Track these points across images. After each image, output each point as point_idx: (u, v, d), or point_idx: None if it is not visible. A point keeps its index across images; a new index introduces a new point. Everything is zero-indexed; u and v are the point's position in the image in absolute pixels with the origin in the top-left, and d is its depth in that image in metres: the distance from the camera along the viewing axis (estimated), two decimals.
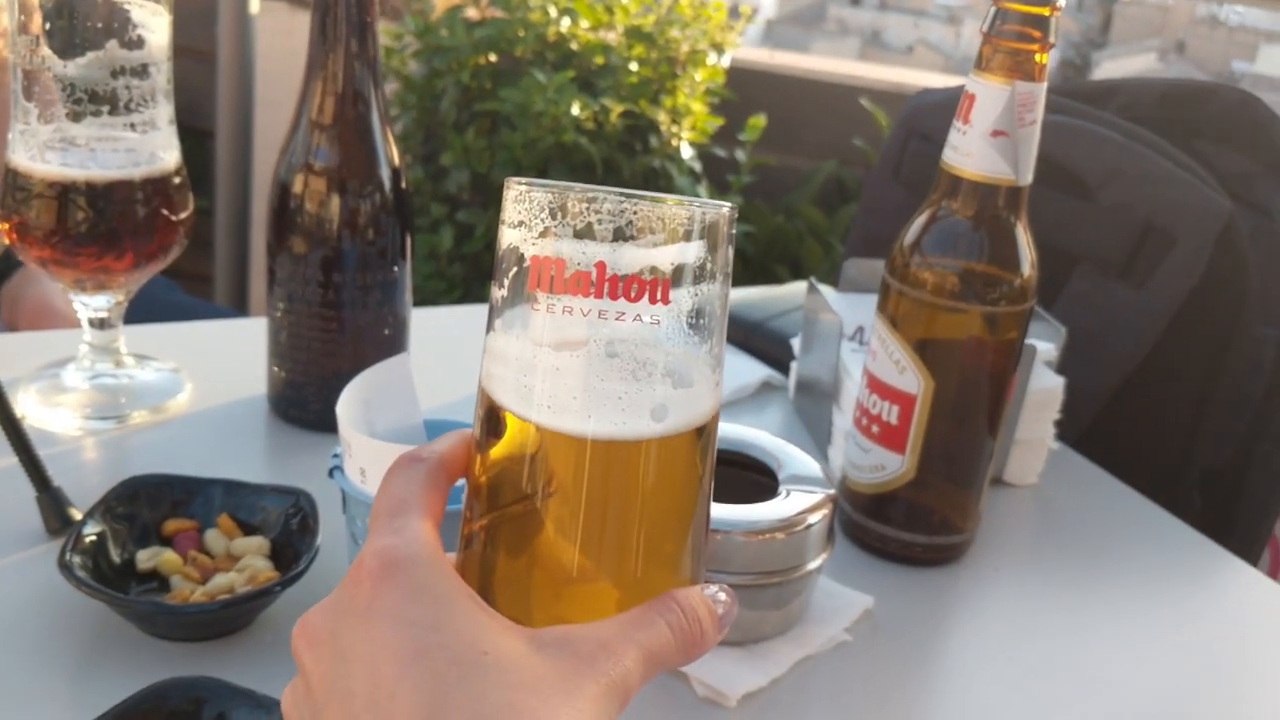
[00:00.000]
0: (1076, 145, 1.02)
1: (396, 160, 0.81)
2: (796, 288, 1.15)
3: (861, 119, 2.06)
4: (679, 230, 0.40)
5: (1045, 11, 0.68)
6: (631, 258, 0.40)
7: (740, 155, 2.02)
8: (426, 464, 0.42)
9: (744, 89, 2.15)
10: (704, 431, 0.42)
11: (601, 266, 0.40)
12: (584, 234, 0.39)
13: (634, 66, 1.89)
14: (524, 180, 0.42)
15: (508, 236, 0.41)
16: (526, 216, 0.40)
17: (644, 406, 0.40)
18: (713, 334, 0.42)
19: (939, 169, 0.72)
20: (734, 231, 0.43)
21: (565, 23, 1.92)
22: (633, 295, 0.40)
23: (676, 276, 0.40)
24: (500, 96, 1.79)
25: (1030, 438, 0.88)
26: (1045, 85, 0.69)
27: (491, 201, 1.89)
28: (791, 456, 0.73)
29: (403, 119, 1.99)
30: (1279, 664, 0.74)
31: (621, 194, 0.40)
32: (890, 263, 0.75)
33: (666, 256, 0.40)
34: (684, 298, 0.41)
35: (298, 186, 0.79)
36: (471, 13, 1.98)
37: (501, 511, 0.42)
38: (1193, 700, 0.69)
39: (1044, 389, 0.87)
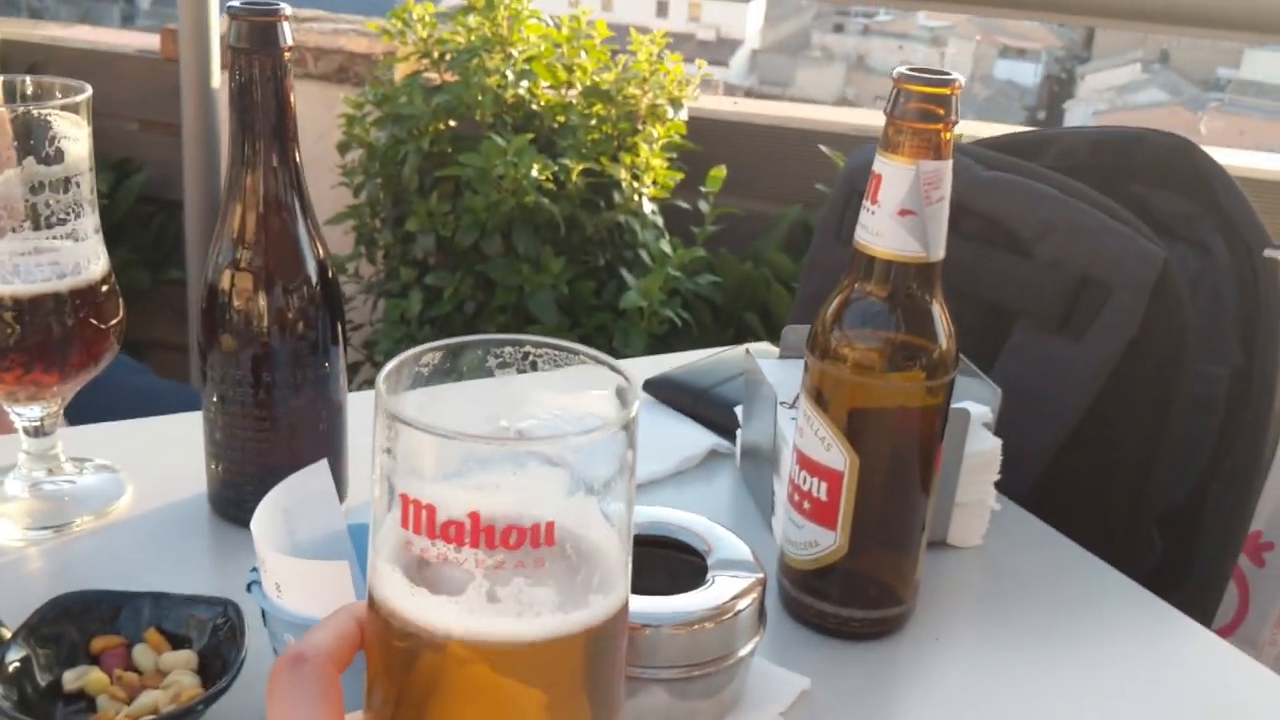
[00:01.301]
0: (1011, 201, 1.03)
1: (323, 252, 0.82)
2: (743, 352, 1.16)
3: (824, 163, 2.07)
4: (564, 462, 0.38)
5: (946, 91, 0.69)
6: (509, 504, 0.37)
7: (703, 206, 2.03)
8: (312, 667, 0.40)
9: (706, 139, 2.17)
10: (606, 630, 0.40)
11: (475, 517, 0.37)
12: (455, 476, 0.37)
13: (594, 124, 1.91)
14: (400, 370, 0.40)
15: (378, 457, 0.39)
16: (394, 447, 0.38)
17: (529, 636, 0.38)
18: (616, 544, 0.40)
19: (853, 248, 0.73)
20: (636, 432, 0.40)
21: (524, 84, 1.94)
22: (512, 543, 0.37)
23: (563, 513, 0.38)
24: (461, 162, 1.80)
25: (971, 500, 0.88)
26: (951, 162, 0.70)
27: (459, 264, 1.90)
28: (720, 539, 0.73)
29: (367, 186, 2.00)
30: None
31: (492, 438, 0.37)
32: (810, 341, 0.75)
33: (550, 498, 0.38)
34: (575, 530, 0.38)
35: (224, 286, 0.79)
36: (431, 76, 2.00)
37: (389, 706, 0.41)
38: None
39: (981, 451, 0.87)
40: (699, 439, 1.01)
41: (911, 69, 0.69)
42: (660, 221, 2.00)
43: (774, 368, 0.95)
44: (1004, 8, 2.01)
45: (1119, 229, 0.99)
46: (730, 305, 2.05)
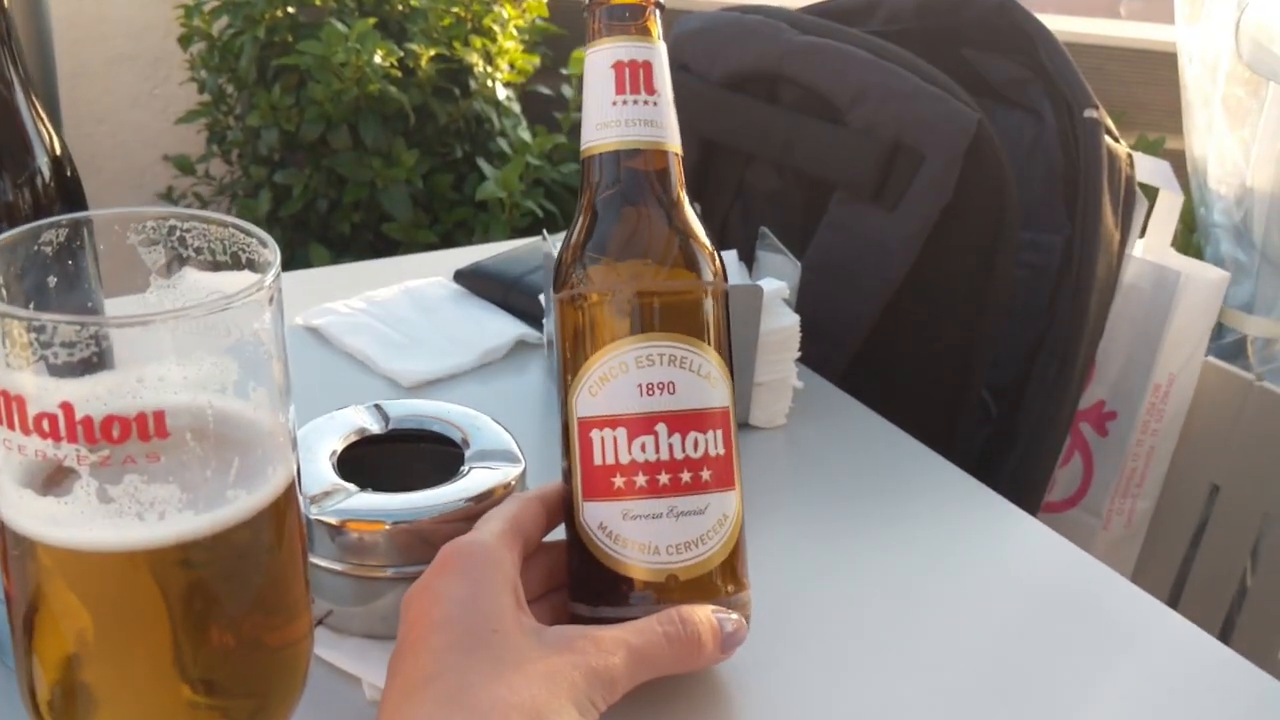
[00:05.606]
0: (824, 67, 0.98)
1: (58, 148, 0.75)
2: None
3: None
4: (169, 346, 0.34)
5: None
6: (105, 394, 0.34)
7: (567, 91, 1.96)
8: (531, 497, 0.55)
9: (571, 20, 2.09)
10: (253, 526, 0.38)
11: (68, 409, 0.33)
12: (43, 368, 0.33)
13: (444, 7, 1.82)
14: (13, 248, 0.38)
15: None
16: None
17: (158, 540, 0.35)
18: (263, 430, 0.37)
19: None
20: (278, 303, 0.37)
21: None
22: (115, 436, 0.34)
23: (180, 400, 0.35)
24: (300, 50, 1.71)
25: (772, 379, 0.85)
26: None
27: (307, 160, 1.82)
28: (480, 430, 0.69)
29: (209, 82, 1.90)
30: (1047, 608, 0.69)
31: (86, 318, 0.33)
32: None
33: (164, 385, 0.34)
34: (196, 416, 0.35)
35: None
36: None
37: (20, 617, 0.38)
38: (966, 645, 0.66)
39: (781, 328, 0.84)
40: (504, 329, 0.97)
41: None
42: (519, 109, 1.93)
43: None
44: None
45: (932, 92, 0.95)
46: None
